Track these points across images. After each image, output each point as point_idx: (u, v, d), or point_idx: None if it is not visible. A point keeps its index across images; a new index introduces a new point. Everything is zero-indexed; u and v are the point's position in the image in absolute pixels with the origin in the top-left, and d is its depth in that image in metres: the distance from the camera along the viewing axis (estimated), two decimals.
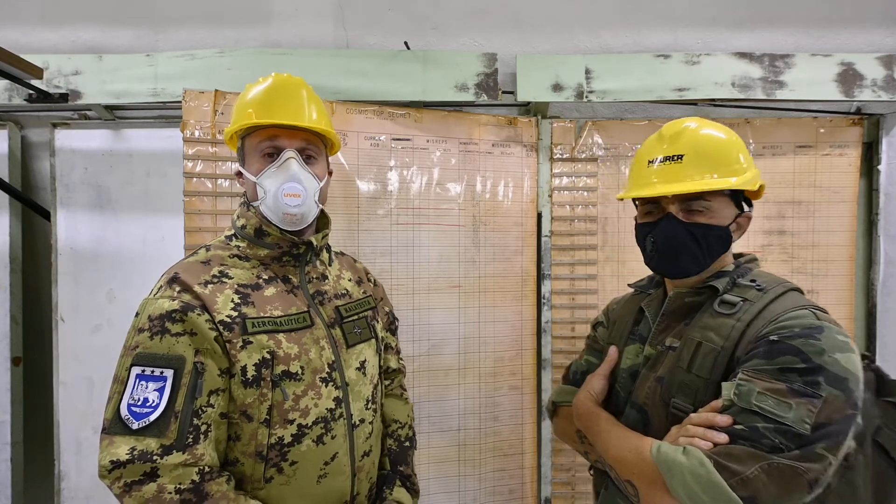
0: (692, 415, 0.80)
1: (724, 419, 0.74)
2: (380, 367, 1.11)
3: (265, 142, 0.96)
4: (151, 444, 0.80)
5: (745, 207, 0.93)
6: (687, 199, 0.89)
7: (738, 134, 1.36)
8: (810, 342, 0.74)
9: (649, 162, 0.94)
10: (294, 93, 0.99)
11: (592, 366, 1.08)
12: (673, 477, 0.73)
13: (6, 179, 1.67)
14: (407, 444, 1.17)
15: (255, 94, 0.98)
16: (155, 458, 0.79)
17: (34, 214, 1.74)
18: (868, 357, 0.85)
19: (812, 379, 0.72)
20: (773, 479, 0.69)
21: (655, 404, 0.88)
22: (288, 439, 0.90)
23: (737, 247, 0.97)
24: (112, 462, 0.78)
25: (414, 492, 1.14)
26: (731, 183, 0.87)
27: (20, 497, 1.73)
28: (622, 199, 1.09)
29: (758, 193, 0.94)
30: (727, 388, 0.77)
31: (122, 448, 0.79)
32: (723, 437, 0.73)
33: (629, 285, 1.11)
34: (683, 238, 0.89)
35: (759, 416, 0.72)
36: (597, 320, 1.16)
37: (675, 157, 0.91)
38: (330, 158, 1.54)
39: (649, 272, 1.04)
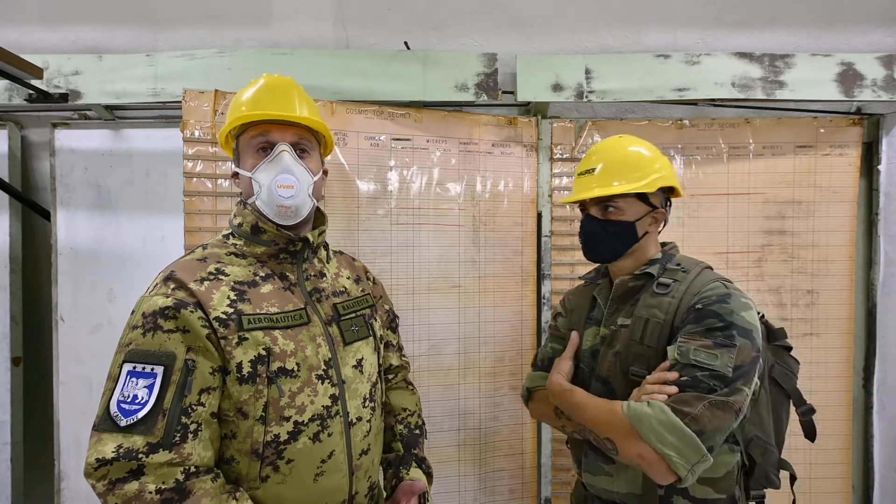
0: (648, 377, 0.98)
1: (673, 375, 0.94)
2: (379, 365, 1.11)
3: (258, 137, 0.97)
4: (138, 441, 0.79)
5: (661, 205, 1.13)
6: (601, 202, 1.12)
7: (736, 134, 1.62)
8: (724, 306, 0.97)
9: (579, 174, 1.17)
10: (285, 90, 1.01)
11: (557, 351, 1.22)
12: (643, 425, 0.90)
13: (6, 179, 1.67)
14: (417, 430, 1.17)
15: (248, 94, 1.00)
16: (140, 455, 0.78)
17: (34, 214, 1.74)
18: (760, 313, 1.07)
19: (729, 333, 0.94)
20: (713, 412, 0.89)
21: (616, 374, 1.06)
22: (284, 437, 0.90)
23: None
24: (98, 460, 0.77)
25: (429, 474, 1.14)
26: (620, 188, 1.08)
27: (20, 497, 1.73)
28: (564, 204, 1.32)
29: (676, 193, 1.16)
30: (671, 351, 0.97)
31: (108, 446, 0.78)
32: (673, 389, 0.92)
33: (580, 277, 1.30)
34: (598, 231, 1.12)
35: (697, 368, 0.92)
36: (556, 311, 1.32)
37: (590, 171, 1.14)
38: (330, 158, 1.55)
39: None
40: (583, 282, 1.29)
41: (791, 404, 1.13)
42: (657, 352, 1.01)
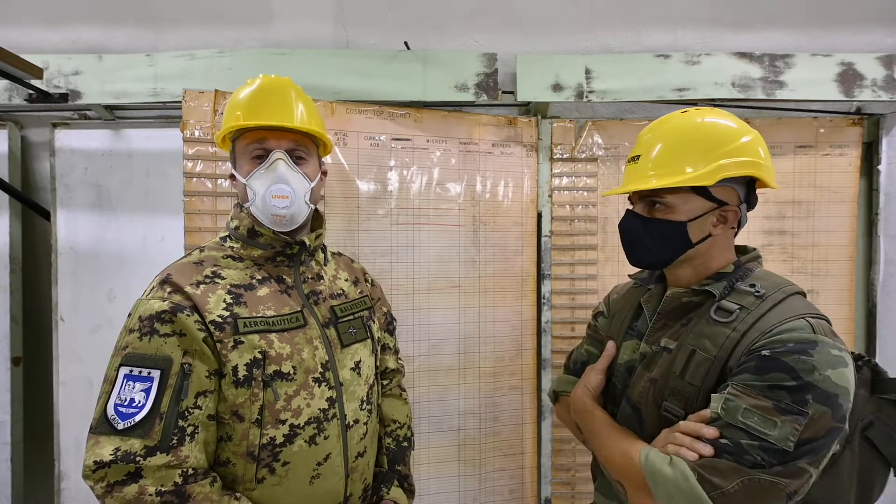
0: (681, 423, 0.81)
1: (711, 431, 0.75)
2: (376, 367, 1.11)
3: (254, 143, 0.96)
4: (135, 444, 0.79)
5: (737, 200, 0.89)
6: (647, 196, 0.91)
7: None
8: (802, 359, 0.74)
9: (628, 162, 0.97)
10: (282, 94, 0.99)
11: (592, 356, 1.09)
12: (658, 487, 0.76)
13: (6, 179, 1.67)
14: (405, 443, 1.17)
15: (244, 96, 0.98)
16: (138, 458, 0.79)
17: (34, 214, 1.74)
18: (863, 357, 0.88)
19: (800, 397, 0.72)
20: (752, 493, 0.71)
21: (648, 404, 0.89)
22: (280, 440, 0.90)
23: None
24: (96, 462, 0.78)
25: (410, 492, 1.14)
26: (661, 181, 0.87)
27: (20, 497, 1.73)
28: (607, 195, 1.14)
29: (764, 182, 0.90)
30: (716, 401, 0.77)
31: (106, 448, 0.79)
32: (708, 450, 0.74)
33: (630, 276, 1.11)
34: (638, 232, 0.92)
35: (744, 433, 0.73)
36: (597, 310, 1.16)
37: (635, 158, 0.93)
38: (330, 159, 1.55)
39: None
40: (632, 281, 1.10)
41: (892, 473, 0.89)
42: (699, 392, 0.82)
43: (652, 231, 0.90)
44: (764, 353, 0.76)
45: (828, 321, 0.83)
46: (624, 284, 1.15)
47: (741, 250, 0.96)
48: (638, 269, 1.08)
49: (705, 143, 0.87)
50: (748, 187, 0.91)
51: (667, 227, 0.89)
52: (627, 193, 0.95)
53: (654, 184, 0.88)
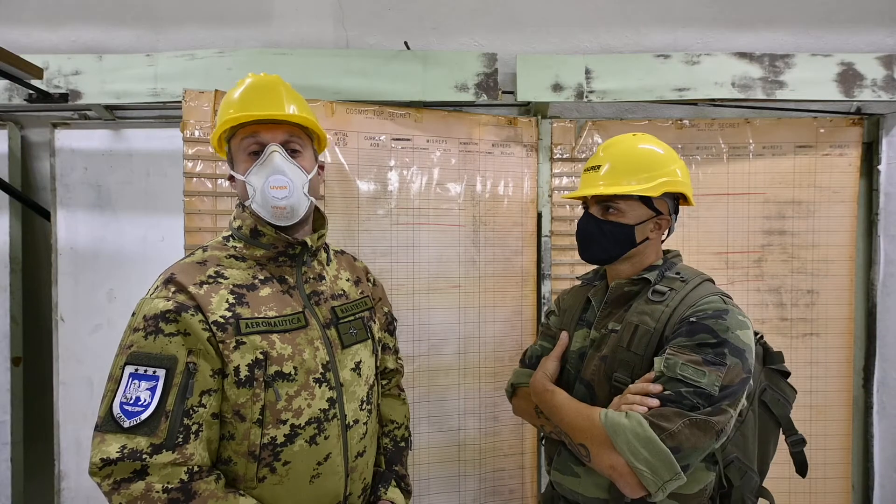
0: (630, 385, 0.96)
1: (656, 387, 0.91)
2: (376, 367, 1.12)
3: (248, 139, 0.97)
4: (141, 442, 0.80)
5: (667, 211, 1.09)
6: (603, 201, 1.08)
7: (736, 134, 1.59)
8: (719, 322, 0.93)
9: (586, 170, 1.14)
10: (271, 89, 1.00)
11: (546, 350, 1.21)
12: (618, 436, 0.89)
13: (6, 179, 1.67)
14: (402, 444, 1.17)
15: (234, 96, 0.99)
16: (144, 456, 0.79)
17: (34, 214, 1.74)
18: (757, 333, 1.06)
19: (720, 351, 0.91)
20: (692, 431, 0.87)
21: (600, 379, 1.04)
22: (281, 439, 0.90)
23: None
24: (102, 460, 0.79)
25: (407, 492, 1.15)
26: (621, 188, 1.04)
27: (20, 497, 1.73)
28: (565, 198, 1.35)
29: (687, 201, 1.12)
30: (658, 362, 0.94)
31: (112, 446, 0.80)
32: (655, 402, 0.89)
33: (577, 278, 1.28)
34: (593, 231, 1.09)
35: (683, 383, 0.89)
36: (549, 309, 1.31)
37: (596, 167, 1.10)
38: (330, 158, 1.55)
39: None
40: (580, 282, 1.27)
41: (781, 433, 1.09)
42: (643, 360, 0.98)
43: (606, 231, 1.08)
44: (692, 319, 0.95)
45: (732, 299, 1.02)
46: (570, 288, 1.31)
47: (665, 252, 1.15)
48: (586, 272, 1.27)
49: (652, 162, 1.07)
50: (675, 203, 1.12)
51: (618, 228, 1.07)
52: (588, 196, 1.11)
53: (614, 189, 1.05)
